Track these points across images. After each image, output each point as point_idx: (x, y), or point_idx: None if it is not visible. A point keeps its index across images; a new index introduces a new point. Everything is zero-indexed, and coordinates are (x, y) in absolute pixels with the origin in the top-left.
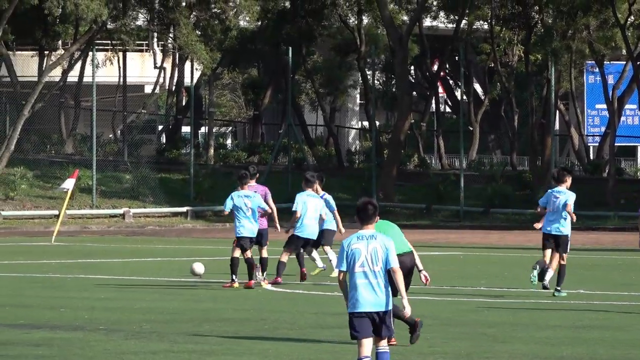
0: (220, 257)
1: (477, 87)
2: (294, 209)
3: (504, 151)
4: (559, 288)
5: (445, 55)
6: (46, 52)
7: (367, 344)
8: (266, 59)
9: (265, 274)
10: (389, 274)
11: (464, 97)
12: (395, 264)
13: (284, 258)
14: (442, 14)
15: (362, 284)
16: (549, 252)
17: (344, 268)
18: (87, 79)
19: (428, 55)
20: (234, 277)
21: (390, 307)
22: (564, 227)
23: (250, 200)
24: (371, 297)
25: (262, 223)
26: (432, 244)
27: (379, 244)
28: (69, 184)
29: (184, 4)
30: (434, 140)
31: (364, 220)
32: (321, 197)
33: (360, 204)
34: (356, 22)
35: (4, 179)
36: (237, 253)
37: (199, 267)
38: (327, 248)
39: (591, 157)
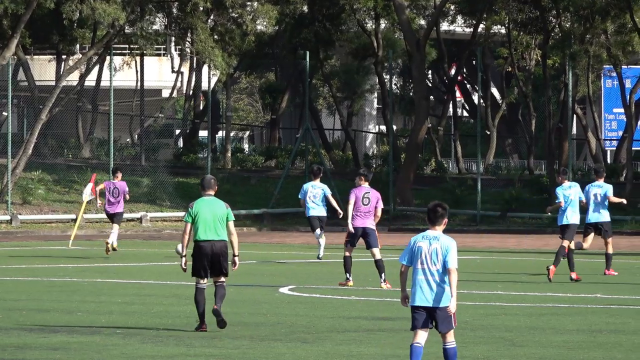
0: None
1: (495, 91)
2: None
3: (521, 155)
4: None
5: (462, 59)
6: (64, 57)
7: (421, 334)
8: (284, 63)
9: (384, 275)
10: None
11: (482, 101)
12: (452, 264)
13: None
14: (459, 18)
15: (420, 280)
16: None
17: (405, 262)
18: (104, 83)
19: (445, 60)
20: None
21: (446, 304)
22: None
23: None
24: (426, 294)
25: (364, 222)
26: None
27: (440, 245)
28: (89, 189)
29: (201, 8)
30: (451, 144)
31: (432, 221)
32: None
33: (430, 206)
34: (374, 27)
35: (22, 183)
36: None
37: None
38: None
39: (608, 161)
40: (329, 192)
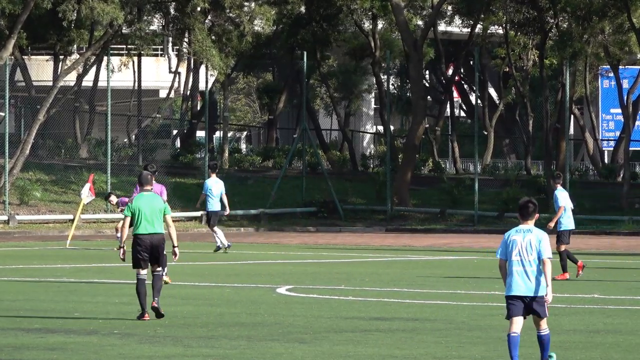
0: (235, 262)
1: (492, 91)
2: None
3: (518, 155)
4: None
5: (460, 59)
6: (61, 57)
7: (517, 321)
8: (281, 64)
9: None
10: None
11: (479, 102)
12: (546, 255)
13: None
14: (456, 18)
15: (517, 271)
16: None
17: (502, 256)
18: (102, 83)
19: (443, 60)
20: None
21: (542, 293)
22: None
23: None
24: (523, 283)
25: None
26: (447, 249)
27: (533, 236)
28: (86, 190)
29: (199, 9)
30: (448, 144)
31: (523, 216)
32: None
33: (522, 202)
34: (371, 27)
35: (19, 183)
36: None
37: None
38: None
39: (606, 162)
40: (224, 190)
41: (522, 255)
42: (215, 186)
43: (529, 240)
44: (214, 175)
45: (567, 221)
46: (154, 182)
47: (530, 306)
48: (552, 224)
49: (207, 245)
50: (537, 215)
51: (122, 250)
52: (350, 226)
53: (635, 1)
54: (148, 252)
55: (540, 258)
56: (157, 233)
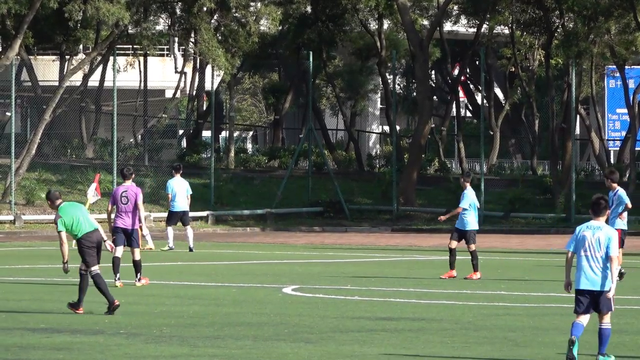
0: (241, 262)
1: (498, 91)
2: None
3: (524, 155)
4: None
5: (465, 59)
6: (67, 57)
7: (583, 316)
8: (287, 64)
9: (140, 274)
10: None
11: (485, 102)
12: (613, 252)
13: None
14: (462, 18)
15: (584, 266)
16: None
17: (571, 249)
18: (108, 83)
19: (449, 60)
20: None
21: (607, 288)
22: None
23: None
24: (590, 278)
25: (124, 222)
26: None
27: (603, 234)
28: (92, 189)
29: (205, 9)
30: (454, 144)
31: (595, 213)
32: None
33: (594, 198)
34: (377, 27)
35: (25, 183)
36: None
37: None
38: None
39: (612, 162)
40: (189, 191)
41: (589, 251)
42: (177, 187)
43: (598, 237)
44: (177, 176)
45: (475, 221)
46: (131, 183)
47: (596, 300)
48: (443, 218)
49: (212, 245)
50: (608, 212)
51: (65, 266)
52: (356, 226)
53: None
54: (95, 248)
55: (607, 255)
56: (97, 229)
